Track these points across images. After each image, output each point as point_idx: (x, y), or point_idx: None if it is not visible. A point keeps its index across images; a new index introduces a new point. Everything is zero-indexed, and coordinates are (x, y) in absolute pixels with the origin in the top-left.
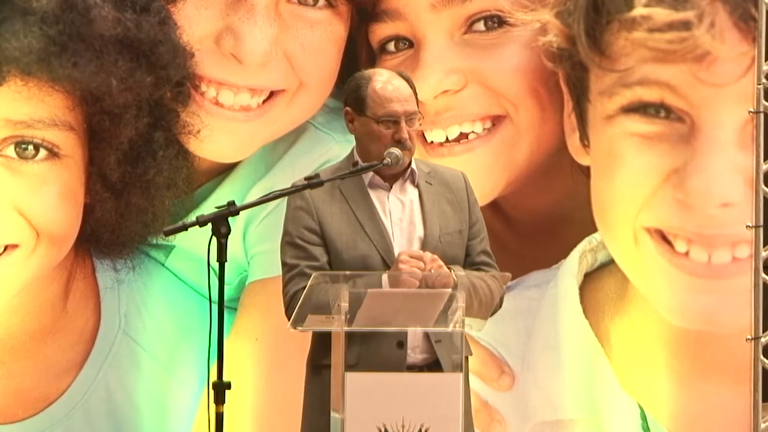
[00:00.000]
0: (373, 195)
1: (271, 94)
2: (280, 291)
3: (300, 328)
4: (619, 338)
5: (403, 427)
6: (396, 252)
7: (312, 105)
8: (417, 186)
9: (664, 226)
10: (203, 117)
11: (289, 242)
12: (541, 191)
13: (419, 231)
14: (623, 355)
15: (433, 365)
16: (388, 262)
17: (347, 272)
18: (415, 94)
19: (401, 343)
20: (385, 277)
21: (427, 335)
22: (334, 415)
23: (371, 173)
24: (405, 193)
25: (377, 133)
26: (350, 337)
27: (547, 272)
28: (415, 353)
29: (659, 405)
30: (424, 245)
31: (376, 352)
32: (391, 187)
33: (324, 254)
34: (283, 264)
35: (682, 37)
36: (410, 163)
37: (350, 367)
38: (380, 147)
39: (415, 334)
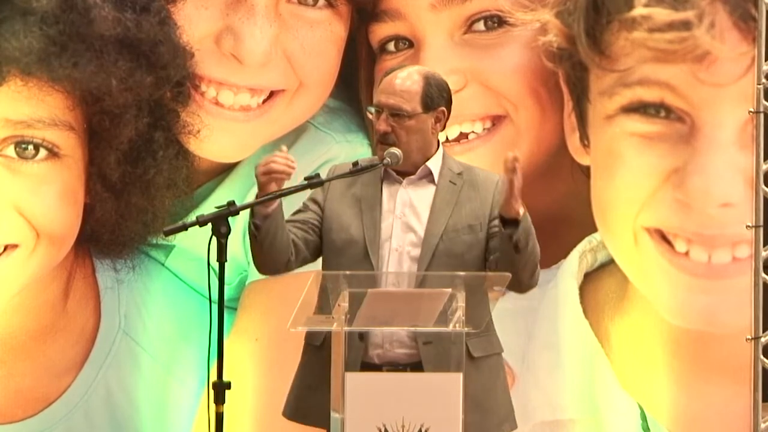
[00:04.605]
0: (386, 187)
1: (271, 94)
2: (280, 291)
3: (300, 328)
4: (619, 338)
5: (403, 427)
6: (388, 246)
7: (312, 105)
8: (436, 184)
9: (664, 226)
10: (203, 117)
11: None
12: (541, 191)
13: (418, 228)
14: (623, 355)
15: (417, 365)
16: (369, 252)
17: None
18: (434, 98)
19: (361, 335)
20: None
21: (411, 332)
22: (334, 415)
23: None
24: (417, 188)
25: (373, 123)
26: None
27: (547, 272)
28: (393, 347)
29: (659, 405)
30: (423, 241)
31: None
32: (404, 180)
33: (312, 219)
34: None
35: (682, 37)
36: (424, 162)
37: (317, 348)
38: (374, 137)
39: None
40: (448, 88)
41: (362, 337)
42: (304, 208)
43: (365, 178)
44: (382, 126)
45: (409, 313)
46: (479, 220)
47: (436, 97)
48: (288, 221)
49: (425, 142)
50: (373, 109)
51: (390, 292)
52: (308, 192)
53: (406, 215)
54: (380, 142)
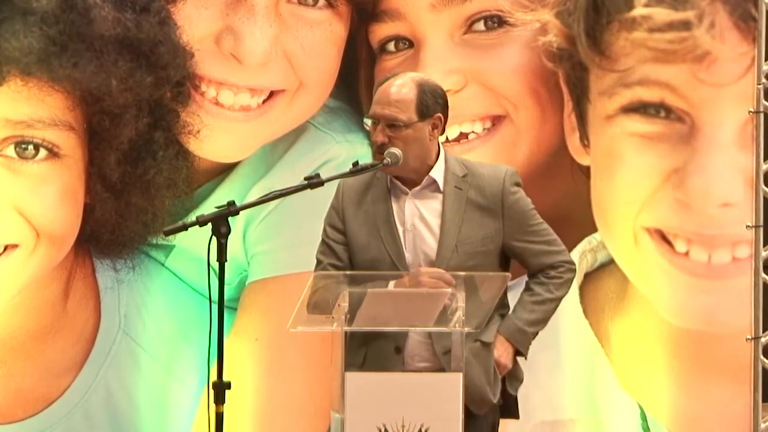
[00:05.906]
0: (393, 200)
1: (271, 94)
2: (280, 291)
3: (300, 328)
4: (619, 338)
5: (403, 427)
6: (408, 258)
7: (312, 105)
8: (443, 192)
9: (664, 226)
10: (203, 117)
11: (322, 238)
12: (541, 191)
13: (430, 240)
14: (623, 355)
15: None
16: (399, 267)
17: (349, 272)
18: (429, 105)
19: (399, 348)
20: (392, 283)
21: (429, 345)
22: (334, 415)
23: (389, 178)
24: (424, 199)
25: (370, 134)
26: (357, 337)
27: None
28: (414, 361)
29: (659, 405)
30: (437, 255)
31: (377, 354)
32: (410, 192)
33: (346, 253)
34: (316, 258)
35: (682, 37)
36: (428, 171)
37: (357, 367)
38: (372, 148)
39: (414, 341)
40: (443, 93)
41: (399, 350)
42: (330, 243)
43: (374, 194)
44: (379, 137)
45: (409, 312)
46: (491, 229)
47: (432, 104)
48: (331, 266)
49: (424, 150)
50: (369, 121)
51: (390, 292)
52: (307, 192)
53: (417, 227)
54: (378, 153)
